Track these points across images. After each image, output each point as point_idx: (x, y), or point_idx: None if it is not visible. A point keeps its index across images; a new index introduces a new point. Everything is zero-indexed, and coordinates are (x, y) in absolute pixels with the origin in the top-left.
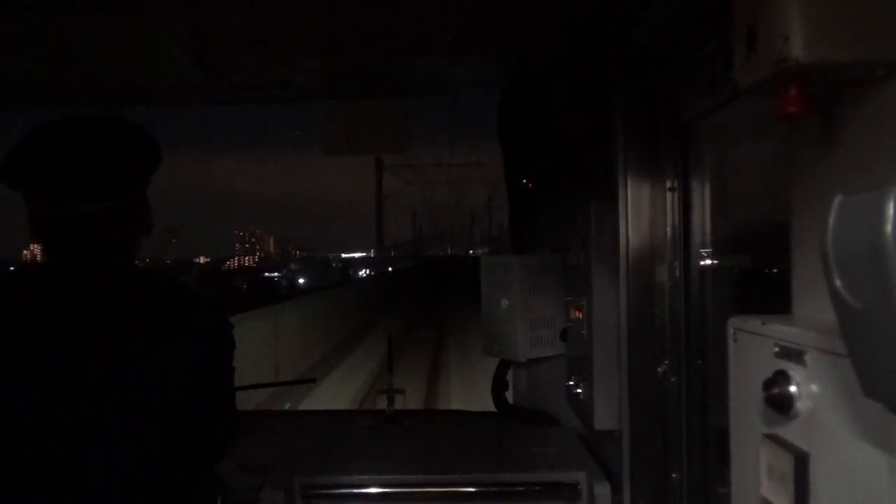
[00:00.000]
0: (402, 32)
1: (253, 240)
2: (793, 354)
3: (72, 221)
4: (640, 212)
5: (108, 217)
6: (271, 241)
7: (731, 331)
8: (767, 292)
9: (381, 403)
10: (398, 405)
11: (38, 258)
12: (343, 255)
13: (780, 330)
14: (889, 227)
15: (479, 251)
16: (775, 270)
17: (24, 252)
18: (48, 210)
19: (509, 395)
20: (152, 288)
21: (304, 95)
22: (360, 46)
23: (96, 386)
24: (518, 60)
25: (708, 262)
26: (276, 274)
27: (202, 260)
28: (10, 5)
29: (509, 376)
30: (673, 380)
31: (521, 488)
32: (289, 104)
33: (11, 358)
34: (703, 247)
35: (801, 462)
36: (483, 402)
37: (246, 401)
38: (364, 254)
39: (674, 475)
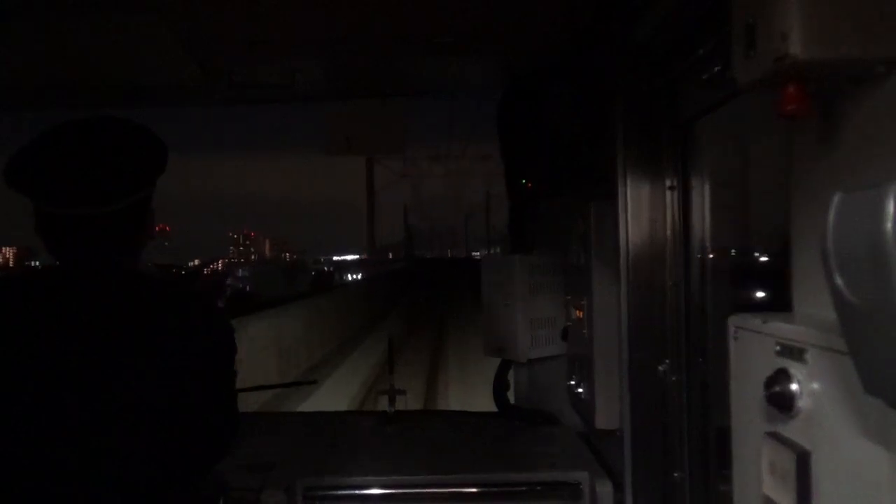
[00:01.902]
0: (403, 33)
1: (248, 242)
2: (794, 352)
3: (77, 223)
4: (639, 211)
5: (113, 219)
6: (267, 244)
7: (731, 329)
8: (768, 290)
9: (383, 404)
10: (399, 406)
11: (10, 263)
12: (335, 258)
13: (780, 328)
14: (889, 225)
15: (489, 251)
16: (775, 268)
17: None
18: (54, 212)
19: (510, 395)
20: (155, 290)
21: (304, 96)
22: (361, 47)
23: (98, 386)
24: (519, 61)
25: (708, 260)
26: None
27: (196, 262)
28: (9, 6)
29: (510, 376)
30: (674, 378)
31: (523, 488)
32: (288, 104)
33: (13, 357)
34: (703, 245)
35: (803, 460)
36: None
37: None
38: (357, 256)
39: (676, 474)
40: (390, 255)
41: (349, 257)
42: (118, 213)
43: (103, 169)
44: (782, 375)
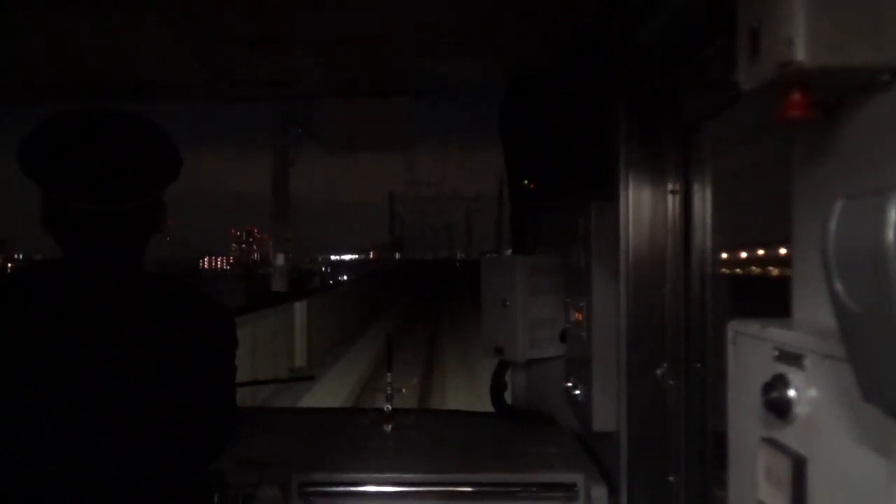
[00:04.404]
0: (406, 33)
1: (251, 239)
2: (792, 358)
3: (91, 219)
4: (640, 213)
5: (127, 217)
6: (271, 242)
7: (730, 334)
8: (767, 295)
9: (380, 402)
10: (396, 404)
11: None
12: (332, 258)
13: (779, 334)
14: (891, 232)
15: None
16: (775, 273)
17: None
18: (67, 205)
19: (508, 396)
20: (160, 286)
21: (304, 94)
22: (363, 46)
23: (99, 383)
24: (521, 61)
25: (708, 264)
26: None
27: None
28: (10, 3)
29: (508, 377)
30: (672, 382)
31: (518, 488)
32: (290, 103)
33: (14, 353)
34: (704, 249)
35: (799, 466)
36: None
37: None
38: (356, 256)
39: (671, 477)
40: (397, 256)
41: (346, 257)
42: (134, 212)
43: (123, 167)
44: (780, 381)
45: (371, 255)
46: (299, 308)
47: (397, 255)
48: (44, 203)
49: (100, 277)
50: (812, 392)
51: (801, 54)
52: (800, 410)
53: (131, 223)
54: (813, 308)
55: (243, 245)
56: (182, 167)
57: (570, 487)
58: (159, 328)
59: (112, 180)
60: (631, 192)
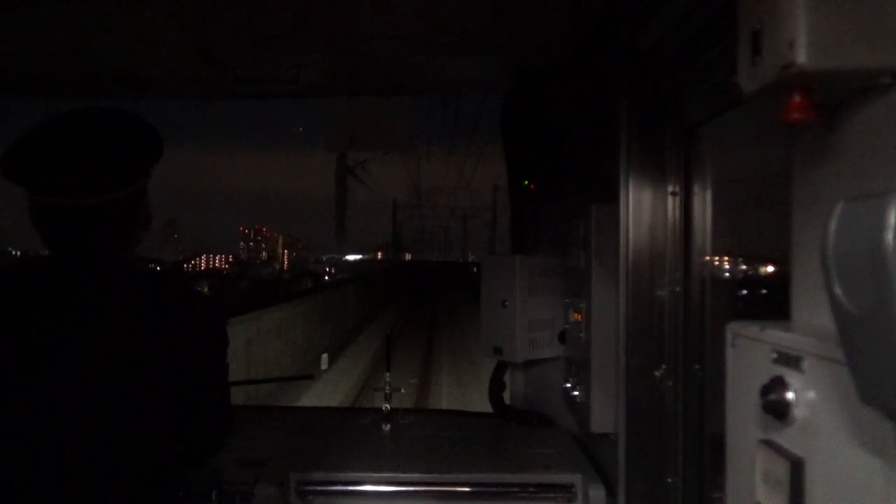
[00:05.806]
0: (410, 32)
1: (259, 237)
2: (790, 361)
3: (72, 214)
4: (641, 215)
5: (108, 210)
6: (280, 241)
7: (729, 336)
8: (767, 298)
9: (379, 401)
10: (395, 403)
11: None
12: (334, 258)
13: (778, 336)
14: (890, 235)
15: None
16: (775, 276)
17: None
18: (49, 202)
19: (506, 397)
20: (149, 282)
21: (308, 92)
22: (366, 44)
23: (92, 380)
24: (523, 62)
25: (708, 266)
26: None
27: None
28: None
29: (507, 377)
30: (670, 384)
31: (516, 489)
32: (292, 101)
33: (6, 350)
34: (704, 252)
35: (797, 468)
36: None
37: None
38: (359, 257)
39: (669, 479)
40: (408, 257)
41: (351, 257)
42: (113, 204)
43: (98, 159)
44: (778, 383)
45: (379, 256)
46: None
47: (408, 256)
48: (29, 205)
49: (92, 273)
50: (810, 394)
51: (801, 57)
52: (798, 412)
53: (113, 216)
54: (812, 310)
55: (251, 243)
56: (159, 153)
57: (567, 488)
58: (155, 324)
59: (83, 172)
60: (631, 194)
